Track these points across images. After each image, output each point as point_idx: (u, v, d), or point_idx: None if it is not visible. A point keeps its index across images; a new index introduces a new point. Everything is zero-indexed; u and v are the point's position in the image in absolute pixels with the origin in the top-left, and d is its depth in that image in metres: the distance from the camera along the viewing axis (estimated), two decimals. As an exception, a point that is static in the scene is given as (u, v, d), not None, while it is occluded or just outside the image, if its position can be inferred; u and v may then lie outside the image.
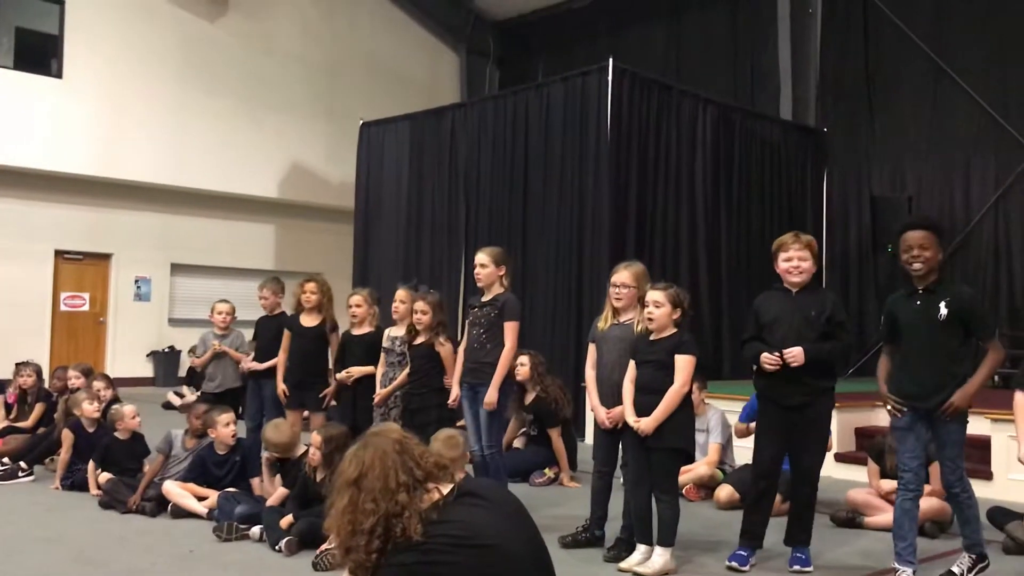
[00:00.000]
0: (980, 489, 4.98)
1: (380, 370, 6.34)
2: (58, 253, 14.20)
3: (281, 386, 6.83)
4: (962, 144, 11.75)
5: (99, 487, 6.20)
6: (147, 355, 14.98)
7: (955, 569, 4.53)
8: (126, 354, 14.67)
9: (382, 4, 17.35)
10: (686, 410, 4.77)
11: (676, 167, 10.75)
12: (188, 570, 4.71)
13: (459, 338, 6.12)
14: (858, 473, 7.05)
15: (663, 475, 4.76)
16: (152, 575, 4.63)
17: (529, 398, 7.44)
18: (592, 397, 5.18)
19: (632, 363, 4.88)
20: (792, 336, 4.69)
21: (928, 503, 5.27)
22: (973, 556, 4.55)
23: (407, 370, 6.09)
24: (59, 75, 13.62)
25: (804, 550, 4.86)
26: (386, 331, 6.46)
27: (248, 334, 7.59)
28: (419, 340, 5.97)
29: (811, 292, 4.85)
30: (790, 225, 8.99)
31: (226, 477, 5.88)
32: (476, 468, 5.54)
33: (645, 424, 4.68)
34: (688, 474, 6.44)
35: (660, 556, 4.70)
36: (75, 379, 7.76)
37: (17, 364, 8.37)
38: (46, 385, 8.52)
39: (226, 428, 5.91)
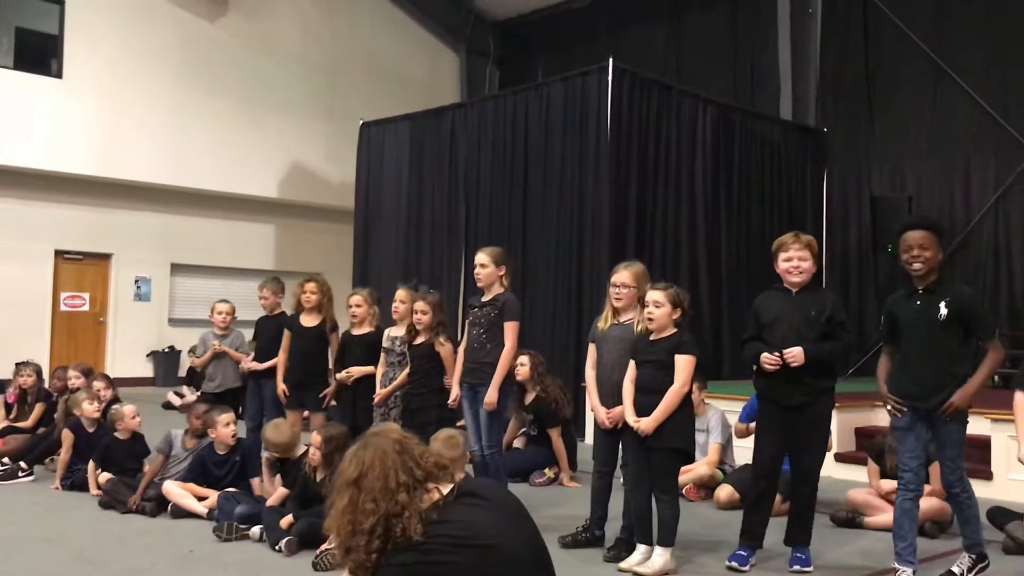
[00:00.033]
0: (980, 489, 4.98)
1: (380, 370, 6.34)
2: (58, 253, 14.19)
3: (281, 386, 6.83)
4: (962, 144, 11.75)
5: (99, 487, 6.20)
6: (147, 355, 14.98)
7: (955, 569, 4.53)
8: (126, 354, 14.67)
9: (382, 4, 17.34)
10: (686, 410, 4.77)
11: (676, 167, 10.74)
12: (188, 570, 4.71)
13: (459, 338, 6.12)
14: (858, 473, 7.04)
15: (663, 475, 4.76)
16: (152, 575, 4.63)
17: (529, 398, 7.44)
18: (592, 397, 5.18)
19: (632, 363, 4.87)
20: (792, 336, 4.69)
21: (928, 503, 5.27)
22: (973, 556, 4.55)
23: (407, 370, 6.09)
24: (59, 75, 13.61)
25: (804, 550, 4.86)
26: (386, 331, 6.46)
27: (248, 334, 7.58)
28: (419, 340, 5.97)
29: (811, 292, 4.85)
30: (790, 225, 8.98)
31: (226, 477, 5.88)
32: (476, 468, 5.53)
33: (645, 424, 4.68)
34: (688, 474, 6.44)
35: (660, 556, 4.70)
36: (75, 379, 7.76)
37: (17, 364, 8.37)
38: (46, 385, 8.52)
39: (226, 428, 5.91)
